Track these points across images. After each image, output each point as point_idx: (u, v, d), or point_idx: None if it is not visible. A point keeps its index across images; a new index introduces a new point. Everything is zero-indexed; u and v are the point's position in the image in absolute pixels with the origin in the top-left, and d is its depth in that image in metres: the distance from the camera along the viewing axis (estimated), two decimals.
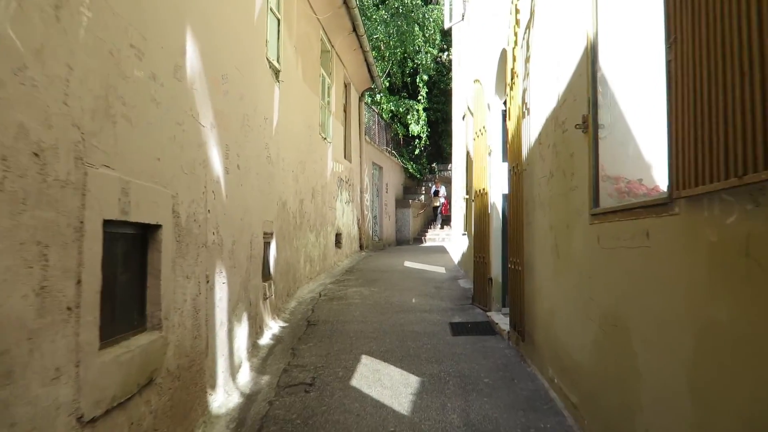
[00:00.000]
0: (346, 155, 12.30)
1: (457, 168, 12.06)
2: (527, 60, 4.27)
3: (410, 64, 20.29)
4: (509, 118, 4.69)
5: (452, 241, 13.39)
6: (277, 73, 6.15)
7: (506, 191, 5.95)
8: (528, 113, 4.28)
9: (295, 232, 7.32)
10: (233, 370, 4.16)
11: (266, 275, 5.80)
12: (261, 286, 5.40)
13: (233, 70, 4.23)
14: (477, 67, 7.55)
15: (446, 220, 20.49)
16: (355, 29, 10.44)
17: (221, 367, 3.83)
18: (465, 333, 5.45)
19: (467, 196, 9.29)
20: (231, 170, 4.15)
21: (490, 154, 6.28)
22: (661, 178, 2.78)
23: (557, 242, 3.51)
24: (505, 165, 5.99)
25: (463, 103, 10.01)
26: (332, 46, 10.23)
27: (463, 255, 10.01)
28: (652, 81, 2.82)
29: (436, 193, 20.78)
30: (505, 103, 5.97)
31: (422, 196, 22.17)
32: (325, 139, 9.65)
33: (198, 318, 3.30)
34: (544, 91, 3.79)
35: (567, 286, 3.30)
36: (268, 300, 5.71)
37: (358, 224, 13.52)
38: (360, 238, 13.79)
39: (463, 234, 10.01)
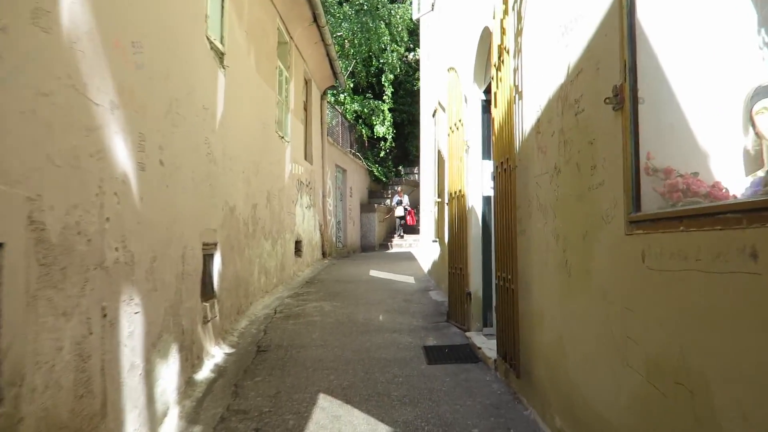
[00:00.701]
0: (307, 156, 11.40)
1: (426, 170, 11.30)
2: (519, 33, 3.51)
3: (375, 63, 19.53)
4: (495, 106, 3.91)
5: (421, 248, 12.62)
6: (221, 56, 5.24)
7: (488, 193, 5.20)
8: (520, 97, 3.52)
9: (247, 241, 6.39)
10: (154, 423, 3.24)
11: (208, 294, 4.87)
12: (200, 308, 4.48)
13: (153, 39, 3.32)
14: (451, 54, 6.79)
15: (410, 230, 19.56)
16: (316, 19, 9.59)
17: (132, 424, 2.91)
18: (442, 360, 4.64)
19: (439, 200, 8.53)
20: (149, 167, 3.24)
21: (467, 150, 5.51)
22: (725, 172, 2.04)
23: (568, 257, 2.74)
24: (487, 162, 5.24)
25: (433, 99, 9.27)
26: (291, 38, 9.35)
27: (434, 263, 9.23)
28: (711, 37, 2.08)
29: (399, 202, 19.72)
30: (485, 91, 5.21)
31: (388, 200, 21.32)
32: (283, 138, 8.75)
33: (87, 368, 2.39)
34: (545, 66, 3.03)
35: (586, 315, 2.53)
36: (210, 322, 4.78)
37: (320, 230, 12.61)
38: (322, 245, 12.88)
39: (434, 241, 9.23)
